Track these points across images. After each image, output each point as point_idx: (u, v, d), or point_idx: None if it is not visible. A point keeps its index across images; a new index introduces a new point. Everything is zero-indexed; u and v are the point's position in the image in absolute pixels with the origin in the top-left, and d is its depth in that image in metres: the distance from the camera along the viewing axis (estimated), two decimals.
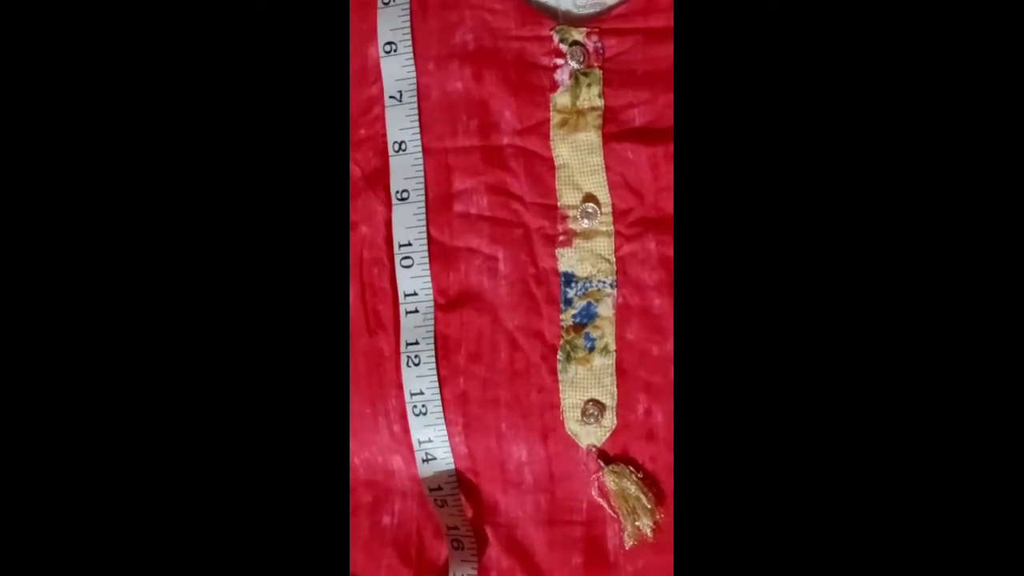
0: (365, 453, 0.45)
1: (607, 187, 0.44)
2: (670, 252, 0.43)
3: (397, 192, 0.45)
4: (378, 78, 0.46)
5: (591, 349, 0.44)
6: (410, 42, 0.45)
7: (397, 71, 0.45)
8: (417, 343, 0.45)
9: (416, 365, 0.45)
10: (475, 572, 0.44)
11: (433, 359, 0.44)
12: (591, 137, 0.44)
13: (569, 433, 0.44)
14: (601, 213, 0.44)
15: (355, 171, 0.46)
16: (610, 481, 0.44)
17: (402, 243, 0.45)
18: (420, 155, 0.45)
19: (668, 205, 0.43)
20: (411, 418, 0.44)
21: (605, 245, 0.44)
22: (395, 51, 0.45)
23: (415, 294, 0.45)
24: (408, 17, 0.45)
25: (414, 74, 0.45)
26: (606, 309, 0.44)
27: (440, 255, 0.45)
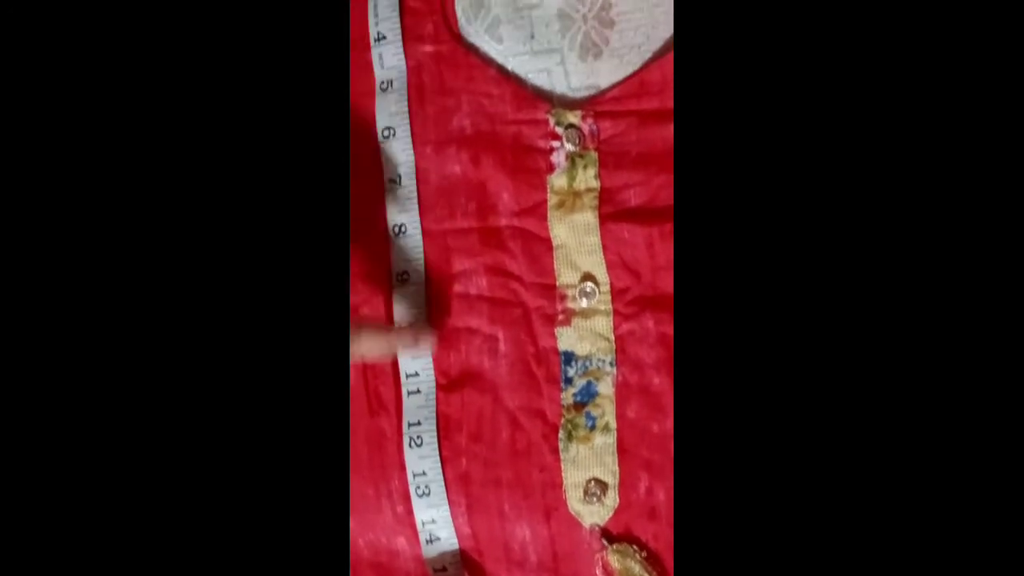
0: (369, 534, 0.45)
1: (605, 266, 0.45)
2: (668, 330, 0.44)
3: (398, 274, 0.46)
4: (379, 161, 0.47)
5: (592, 428, 0.44)
6: (408, 127, 0.46)
7: (396, 155, 0.46)
8: (419, 424, 0.45)
9: (419, 446, 0.45)
10: None
11: (435, 439, 0.45)
12: (588, 217, 0.45)
13: (572, 512, 0.44)
14: (599, 292, 0.45)
15: (356, 251, 0.47)
16: (614, 560, 0.44)
17: (403, 324, 0.46)
18: (420, 237, 0.46)
19: (665, 284, 0.44)
20: (414, 499, 0.44)
21: (604, 324, 0.45)
22: (393, 135, 0.46)
23: (416, 375, 0.45)
24: (406, 103, 0.46)
25: (412, 158, 0.46)
26: (606, 388, 0.44)
27: (440, 336, 0.45)
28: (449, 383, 0.45)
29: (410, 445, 0.45)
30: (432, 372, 0.45)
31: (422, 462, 0.45)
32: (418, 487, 0.44)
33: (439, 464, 0.45)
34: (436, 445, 0.45)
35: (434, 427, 0.45)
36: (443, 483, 0.44)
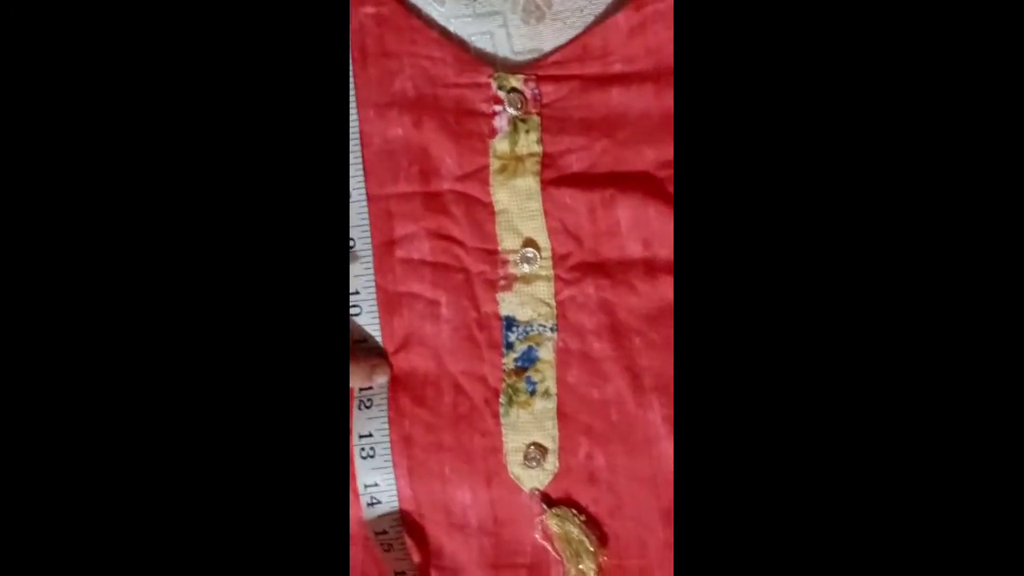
0: None
1: (546, 232, 0.45)
2: (609, 296, 0.44)
3: None
4: None
5: (532, 393, 0.45)
6: (352, 92, 0.46)
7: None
8: (371, 387, 0.45)
9: (368, 408, 0.45)
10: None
11: (385, 402, 0.45)
12: (530, 182, 0.45)
13: (512, 477, 0.45)
14: (541, 258, 0.45)
15: None
16: (553, 524, 0.44)
17: (351, 291, 0.45)
18: (365, 204, 0.45)
19: (607, 250, 0.44)
20: (357, 461, 0.45)
21: (545, 289, 0.45)
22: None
23: (365, 340, 0.46)
24: (350, 62, 0.46)
25: (357, 123, 0.46)
26: (547, 353, 0.45)
27: (384, 300, 0.45)
28: (393, 347, 0.45)
29: (360, 407, 0.45)
30: (381, 338, 0.45)
31: (369, 423, 0.45)
32: (362, 449, 0.45)
33: (387, 427, 0.45)
34: (385, 407, 0.45)
35: (385, 391, 0.45)
36: (389, 445, 0.45)
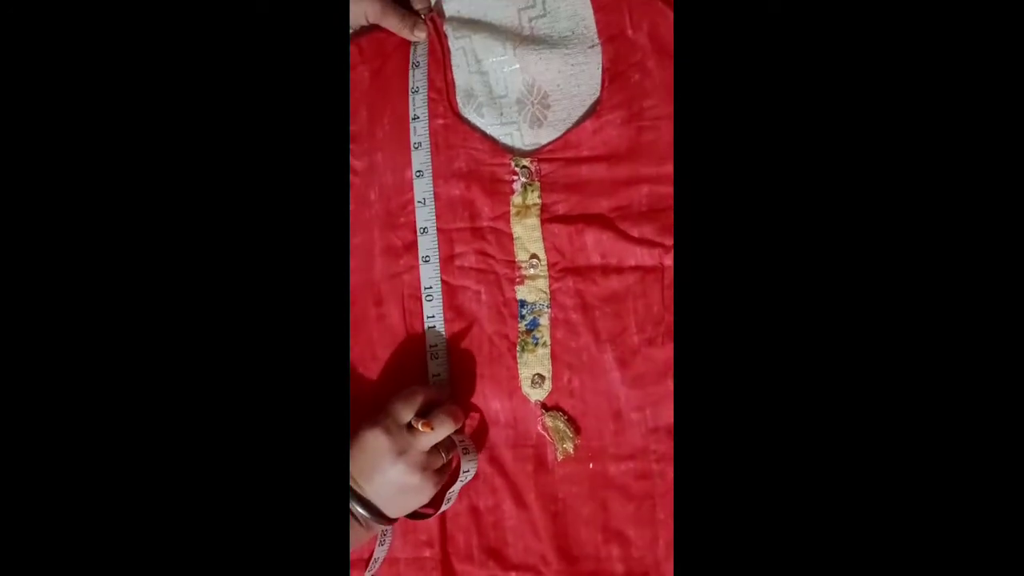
0: None
1: (544, 250, 0.70)
2: (580, 287, 0.69)
3: (423, 256, 0.72)
4: (412, 190, 0.73)
5: (536, 344, 0.70)
6: (431, 170, 0.71)
7: (423, 187, 0.71)
8: (436, 345, 0.72)
9: (436, 359, 0.72)
10: (473, 468, 0.69)
11: (447, 354, 0.71)
12: (534, 221, 0.70)
13: (524, 394, 0.70)
14: (540, 265, 0.70)
15: (397, 242, 0.72)
16: (548, 421, 0.69)
17: (427, 287, 0.71)
18: (435, 235, 0.72)
19: (579, 260, 0.69)
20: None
21: (543, 284, 0.70)
22: (422, 175, 0.72)
23: (433, 316, 0.71)
24: (429, 156, 0.71)
25: (432, 188, 0.71)
26: (544, 321, 0.70)
27: (448, 292, 0.71)
28: (453, 319, 0.71)
29: (430, 358, 0.71)
30: (442, 315, 0.71)
31: (439, 367, 0.71)
32: (432, 380, 0.71)
33: (448, 370, 0.71)
34: (447, 358, 0.71)
35: (445, 348, 0.71)
36: (449, 380, 0.71)
